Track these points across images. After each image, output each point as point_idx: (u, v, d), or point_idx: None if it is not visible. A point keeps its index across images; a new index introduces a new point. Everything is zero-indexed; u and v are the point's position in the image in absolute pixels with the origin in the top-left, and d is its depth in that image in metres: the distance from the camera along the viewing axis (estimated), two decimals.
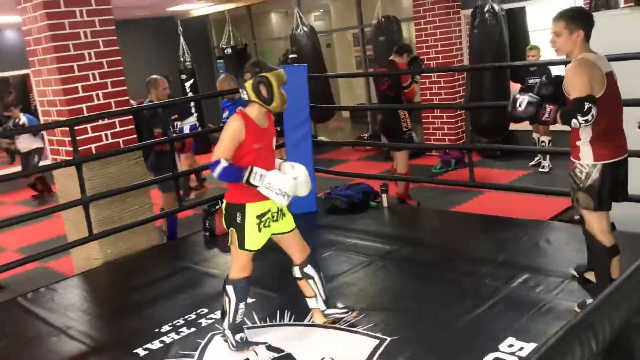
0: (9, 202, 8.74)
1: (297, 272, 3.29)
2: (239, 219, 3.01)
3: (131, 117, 4.99)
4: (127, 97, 5.00)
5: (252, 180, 2.90)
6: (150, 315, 3.80)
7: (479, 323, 3.15)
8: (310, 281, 3.27)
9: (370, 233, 4.85)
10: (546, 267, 3.73)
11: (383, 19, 7.74)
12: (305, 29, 8.34)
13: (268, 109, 2.97)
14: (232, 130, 2.91)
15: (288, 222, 3.22)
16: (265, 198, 2.96)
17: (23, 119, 8.13)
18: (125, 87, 4.92)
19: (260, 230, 3.06)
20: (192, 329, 3.49)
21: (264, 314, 3.55)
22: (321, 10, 13.35)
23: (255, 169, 2.91)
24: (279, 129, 5.88)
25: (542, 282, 3.50)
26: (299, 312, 3.46)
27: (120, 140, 4.87)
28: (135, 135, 4.98)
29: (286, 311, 3.52)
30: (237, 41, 10.49)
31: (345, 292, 3.75)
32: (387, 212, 5.38)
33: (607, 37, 4.36)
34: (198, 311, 3.70)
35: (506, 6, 6.95)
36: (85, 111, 4.66)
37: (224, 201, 3.10)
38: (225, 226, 3.13)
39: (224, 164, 2.88)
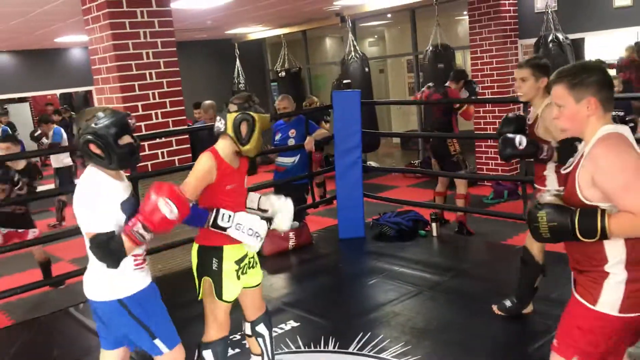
0: (66, 214, 9.02)
1: (247, 328, 2.99)
2: (214, 266, 2.67)
3: (187, 136, 5.11)
4: (184, 117, 5.13)
5: (220, 222, 2.59)
6: (195, 332, 3.82)
7: None
8: (260, 339, 2.98)
9: (418, 262, 4.78)
10: None
11: (437, 47, 7.72)
12: (357, 55, 8.40)
13: (240, 148, 2.68)
14: (203, 169, 2.61)
15: (257, 274, 2.90)
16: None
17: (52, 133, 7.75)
18: (182, 107, 5.05)
19: (238, 277, 2.73)
20: (237, 350, 3.49)
21: (308, 339, 3.53)
22: (375, 37, 13.43)
23: (222, 210, 2.60)
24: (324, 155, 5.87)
25: None
26: (344, 340, 3.43)
27: (176, 158, 4.98)
28: (190, 155, 5.09)
29: (331, 337, 3.49)
30: (292, 65, 10.65)
31: (391, 322, 3.69)
32: (437, 242, 5.31)
33: None
34: (242, 332, 3.71)
35: (570, 36, 6.83)
36: (143, 129, 4.79)
37: (194, 245, 2.76)
38: (195, 275, 2.74)
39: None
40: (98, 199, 2.27)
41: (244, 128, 2.66)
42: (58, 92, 10.98)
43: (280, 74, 10.53)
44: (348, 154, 5.50)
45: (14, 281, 5.20)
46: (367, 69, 8.54)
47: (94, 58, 4.94)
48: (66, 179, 7.40)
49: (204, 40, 11.02)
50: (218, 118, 2.71)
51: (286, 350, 3.42)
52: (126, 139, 2.33)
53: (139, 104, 4.78)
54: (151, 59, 4.82)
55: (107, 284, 2.35)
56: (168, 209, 2.24)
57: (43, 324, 4.25)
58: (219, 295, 2.69)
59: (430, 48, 7.72)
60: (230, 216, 2.60)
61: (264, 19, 9.22)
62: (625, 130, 1.90)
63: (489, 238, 5.68)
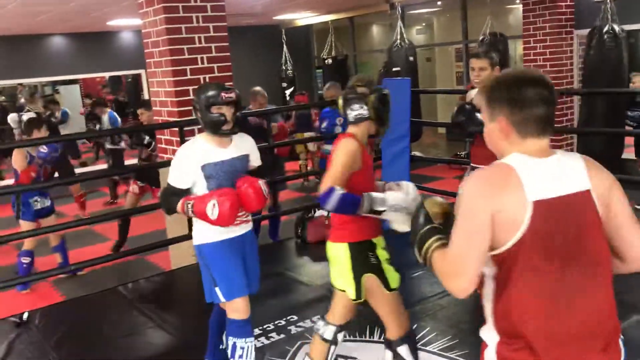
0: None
1: (388, 353, 2.71)
2: (372, 260, 2.55)
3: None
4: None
5: (375, 207, 2.38)
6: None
7: None
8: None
9: None
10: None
11: (490, 36, 7.54)
12: (404, 43, 8.28)
13: (380, 130, 2.62)
14: (350, 156, 2.46)
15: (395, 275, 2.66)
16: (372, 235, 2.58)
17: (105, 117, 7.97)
18: None
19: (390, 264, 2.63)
20: (282, 335, 3.51)
21: (353, 328, 3.49)
22: (424, 24, 13.22)
23: (372, 193, 2.42)
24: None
25: None
26: None
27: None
28: None
29: (376, 327, 3.47)
30: (338, 52, 10.58)
31: (437, 315, 3.65)
32: None
33: None
34: (288, 318, 3.73)
35: (626, 27, 6.57)
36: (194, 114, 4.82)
37: (337, 245, 2.57)
38: (350, 276, 2.53)
39: (339, 192, 2.35)
40: (180, 158, 2.75)
41: (383, 108, 2.59)
42: (108, 74, 11.17)
43: (326, 61, 10.47)
44: (395, 143, 5.45)
45: (77, 256, 5.35)
46: (413, 58, 8.41)
47: (147, 42, 4.99)
48: (119, 160, 7.62)
49: (251, 25, 11.04)
50: (356, 105, 2.54)
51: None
52: (221, 109, 2.72)
53: (190, 88, 4.81)
54: (203, 44, 4.84)
55: (195, 231, 2.87)
56: (211, 210, 2.63)
57: (92, 302, 4.36)
58: (388, 286, 2.56)
59: (484, 37, 7.55)
60: (383, 199, 2.41)
61: (312, 4, 9.17)
62: (519, 163, 1.49)
63: None
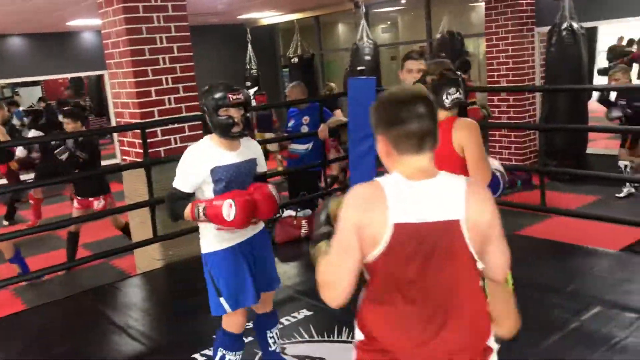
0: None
1: None
2: None
3: (200, 122, 5.07)
4: (197, 103, 5.08)
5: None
6: (209, 320, 3.81)
7: (548, 355, 3.01)
8: None
9: None
10: (619, 301, 3.54)
11: (447, 34, 7.61)
12: (367, 42, 8.31)
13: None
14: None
15: None
16: None
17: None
18: (195, 93, 5.01)
19: None
20: (250, 338, 3.47)
21: (321, 328, 3.50)
22: (389, 23, 13.29)
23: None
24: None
25: (615, 317, 3.32)
26: None
27: (189, 144, 4.94)
28: None
29: (344, 328, 3.46)
30: (304, 51, 10.56)
31: None
32: None
33: None
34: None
35: (585, 25, 6.71)
36: (156, 114, 4.76)
37: None
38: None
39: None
40: (189, 161, 2.64)
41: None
42: (69, 76, 10.95)
43: (292, 60, 10.44)
44: (361, 143, 5.43)
45: (40, 263, 5.21)
46: (376, 56, 8.44)
47: (107, 42, 4.90)
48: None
49: (215, 25, 10.94)
50: (452, 89, 2.55)
51: (299, 339, 3.40)
52: (229, 112, 2.61)
53: (152, 89, 4.74)
54: (164, 44, 4.77)
55: (201, 239, 2.77)
56: (227, 212, 2.52)
57: (55, 309, 4.26)
58: None
59: (439, 35, 7.64)
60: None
61: (276, 3, 9.13)
62: (390, 184, 1.51)
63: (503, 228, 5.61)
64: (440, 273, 1.49)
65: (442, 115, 2.49)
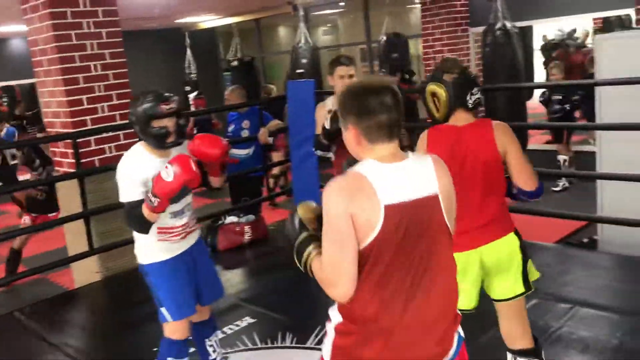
0: (13, 211, 8.68)
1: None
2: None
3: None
4: None
5: None
6: (150, 332, 3.72)
7: (485, 350, 3.06)
8: None
9: None
10: (555, 293, 3.64)
11: (391, 36, 7.71)
12: (307, 44, 8.32)
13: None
14: None
15: None
16: None
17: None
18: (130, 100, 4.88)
19: None
20: (192, 349, 3.40)
21: (265, 335, 3.46)
22: (329, 25, 13.36)
23: None
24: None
25: (551, 308, 3.41)
26: (302, 335, 3.37)
27: (124, 153, 4.81)
28: None
29: (288, 333, 3.44)
30: (244, 54, 10.48)
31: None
32: None
33: (619, 60, 4.35)
34: None
35: (517, 24, 6.91)
36: (89, 123, 4.61)
37: (513, 236, 2.41)
38: (524, 267, 2.40)
39: None
40: (129, 172, 2.55)
41: None
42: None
43: (232, 64, 10.35)
44: (303, 145, 5.43)
45: None
46: (316, 59, 8.46)
47: (34, 50, 4.71)
48: None
49: (152, 29, 10.74)
50: (475, 89, 2.37)
51: (242, 347, 3.35)
52: (162, 122, 2.52)
53: (84, 97, 4.58)
54: (96, 50, 4.63)
55: (138, 249, 2.71)
56: (165, 173, 2.43)
57: None
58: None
59: (383, 37, 7.72)
60: None
61: (214, 7, 9.03)
62: (370, 170, 1.57)
63: None
64: (426, 246, 1.60)
65: (462, 116, 2.38)
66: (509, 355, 2.49)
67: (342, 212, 1.53)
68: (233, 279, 4.57)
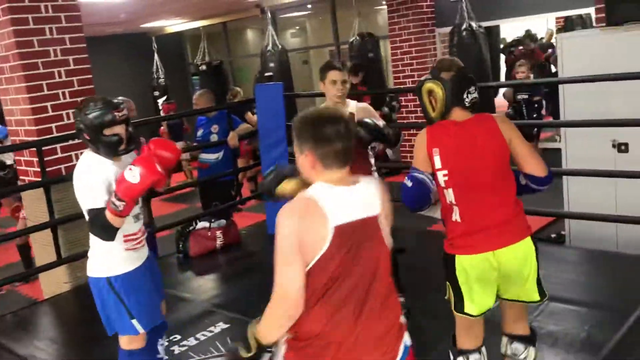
0: None
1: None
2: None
3: None
4: None
5: None
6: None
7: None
8: None
9: None
10: None
11: (360, 37, 7.74)
12: (275, 47, 8.31)
13: None
14: None
15: None
16: None
17: None
18: None
19: None
20: (165, 357, 3.36)
21: (238, 340, 3.43)
22: (297, 28, 13.35)
23: None
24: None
25: None
26: None
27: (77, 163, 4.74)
28: None
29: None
30: (213, 58, 10.42)
31: None
32: None
33: (580, 58, 4.44)
34: (171, 338, 3.58)
35: (483, 24, 7.01)
36: (54, 131, 4.53)
37: (530, 241, 2.36)
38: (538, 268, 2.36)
39: None
40: (89, 178, 2.48)
41: None
42: None
43: (200, 68, 10.27)
44: (273, 148, 5.42)
45: None
46: (286, 61, 8.46)
47: None
48: None
49: (118, 34, 10.60)
50: (472, 88, 2.34)
51: (216, 353, 3.33)
52: (114, 130, 2.47)
53: (48, 104, 4.50)
54: (59, 57, 4.55)
55: (100, 262, 2.59)
56: (130, 174, 2.39)
57: None
58: None
59: (353, 38, 7.76)
60: None
61: (181, 11, 8.96)
62: (321, 193, 1.67)
63: (414, 225, 5.73)
64: (370, 262, 1.71)
65: (459, 115, 2.34)
66: (504, 339, 2.51)
67: (291, 232, 1.63)
68: (205, 285, 4.54)
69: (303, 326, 1.68)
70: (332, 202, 1.66)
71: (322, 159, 1.69)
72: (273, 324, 1.70)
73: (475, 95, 2.35)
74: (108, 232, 2.48)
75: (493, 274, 2.30)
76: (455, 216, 2.31)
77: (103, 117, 2.45)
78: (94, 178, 2.48)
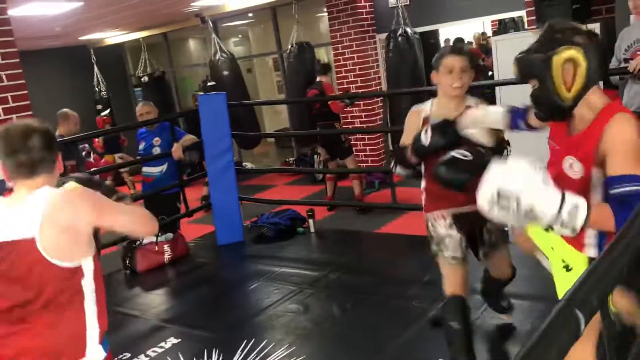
0: None
1: None
2: None
3: None
4: None
5: None
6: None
7: (410, 346, 3.15)
8: None
9: (298, 260, 4.80)
10: (471, 286, 3.78)
11: (296, 45, 7.76)
12: (224, 55, 8.26)
13: None
14: None
15: None
16: None
17: None
18: None
19: None
20: None
21: (190, 354, 3.40)
22: (240, 36, 13.31)
23: None
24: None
25: (469, 300, 3.54)
26: (228, 350, 3.34)
27: None
28: None
29: (214, 349, 3.39)
30: (154, 69, 10.27)
31: (274, 325, 3.67)
32: (315, 238, 5.36)
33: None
34: (120, 356, 3.50)
35: (419, 29, 7.17)
36: None
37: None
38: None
39: None
40: None
41: None
42: None
43: (142, 79, 10.11)
44: (219, 158, 5.39)
45: None
46: (236, 69, 8.37)
47: None
48: None
49: (55, 47, 10.31)
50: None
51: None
52: None
53: None
54: None
55: None
56: None
57: None
58: None
59: (290, 47, 7.79)
60: None
61: (119, 23, 8.79)
62: None
63: (364, 228, 5.81)
64: (25, 290, 1.67)
65: (599, 95, 1.81)
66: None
67: None
68: (154, 301, 4.46)
69: None
70: None
71: (9, 172, 1.73)
72: None
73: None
74: None
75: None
76: None
77: None
78: None
